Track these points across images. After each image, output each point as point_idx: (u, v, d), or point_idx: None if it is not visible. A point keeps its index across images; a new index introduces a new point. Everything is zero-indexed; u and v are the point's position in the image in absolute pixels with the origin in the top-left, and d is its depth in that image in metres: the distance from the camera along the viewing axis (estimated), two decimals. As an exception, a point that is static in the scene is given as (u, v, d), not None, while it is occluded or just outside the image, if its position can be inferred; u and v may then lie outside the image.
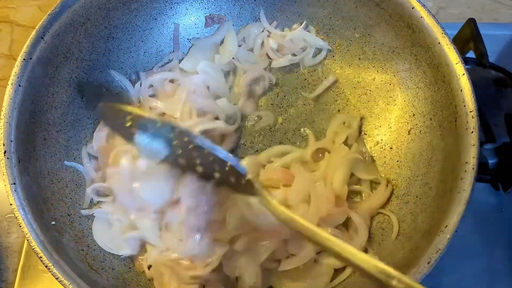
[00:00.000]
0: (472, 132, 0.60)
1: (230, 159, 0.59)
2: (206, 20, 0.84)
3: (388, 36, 0.75)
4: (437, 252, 0.55)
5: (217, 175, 0.59)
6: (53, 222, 0.62)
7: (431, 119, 0.70)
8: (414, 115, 0.73)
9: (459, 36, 0.88)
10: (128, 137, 0.61)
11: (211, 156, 0.58)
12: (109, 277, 0.64)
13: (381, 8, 0.73)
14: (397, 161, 0.74)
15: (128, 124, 0.60)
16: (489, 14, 1.07)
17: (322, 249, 0.60)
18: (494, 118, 0.81)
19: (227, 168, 0.58)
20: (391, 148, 0.75)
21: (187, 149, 0.59)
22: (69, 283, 0.53)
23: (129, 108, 0.61)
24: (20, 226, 0.56)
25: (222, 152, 0.59)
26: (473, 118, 0.61)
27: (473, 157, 0.59)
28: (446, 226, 0.56)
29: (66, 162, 0.70)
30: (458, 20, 1.04)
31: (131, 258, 0.69)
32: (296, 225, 0.55)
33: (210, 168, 0.59)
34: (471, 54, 0.87)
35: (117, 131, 0.66)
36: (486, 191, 0.83)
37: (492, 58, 0.86)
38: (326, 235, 0.52)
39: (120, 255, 0.68)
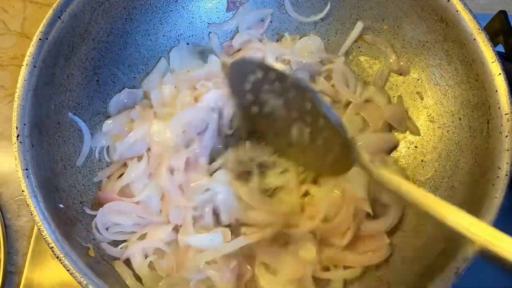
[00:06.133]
0: (506, 137, 0.57)
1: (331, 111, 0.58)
2: (228, 4, 0.80)
3: (418, 29, 0.71)
4: (465, 261, 0.52)
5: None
6: (61, 205, 0.60)
7: (460, 119, 0.67)
8: (442, 113, 0.70)
9: (488, 28, 0.84)
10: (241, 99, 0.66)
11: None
12: (121, 269, 0.63)
13: (413, 0, 0.70)
14: (422, 161, 0.71)
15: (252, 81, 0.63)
16: (519, 6, 1.02)
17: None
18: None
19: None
20: (416, 147, 0.72)
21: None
22: (80, 275, 0.52)
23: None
24: (31, 214, 0.54)
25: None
26: (508, 121, 0.58)
27: (507, 163, 0.56)
28: (475, 234, 0.53)
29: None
30: (484, 11, 1.00)
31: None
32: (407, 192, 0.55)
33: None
34: (499, 48, 0.83)
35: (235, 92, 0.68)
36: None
37: (522, 52, 0.82)
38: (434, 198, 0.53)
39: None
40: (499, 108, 0.59)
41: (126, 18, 0.73)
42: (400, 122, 0.74)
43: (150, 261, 0.63)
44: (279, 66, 0.61)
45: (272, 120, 0.65)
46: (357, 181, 0.67)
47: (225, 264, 0.62)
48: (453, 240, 0.57)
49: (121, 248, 0.64)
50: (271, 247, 0.64)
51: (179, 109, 0.70)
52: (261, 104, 0.65)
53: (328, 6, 0.79)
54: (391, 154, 0.75)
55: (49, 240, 0.53)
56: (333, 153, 0.61)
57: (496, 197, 0.55)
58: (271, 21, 0.81)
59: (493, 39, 0.83)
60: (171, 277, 0.62)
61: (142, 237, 0.65)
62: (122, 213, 0.66)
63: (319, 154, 0.63)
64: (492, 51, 0.62)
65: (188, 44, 0.80)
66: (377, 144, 0.74)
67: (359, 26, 0.78)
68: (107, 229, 0.65)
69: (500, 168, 0.56)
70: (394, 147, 0.75)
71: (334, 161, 0.62)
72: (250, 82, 0.64)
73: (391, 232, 0.67)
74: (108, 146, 0.71)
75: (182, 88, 0.73)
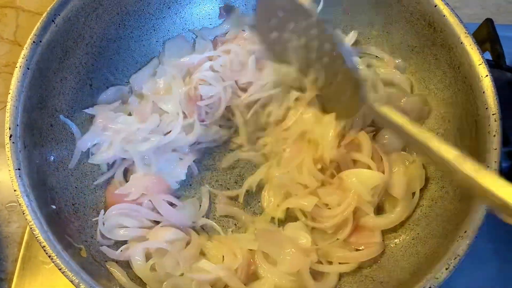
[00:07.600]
0: (494, 136, 0.58)
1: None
2: (220, 11, 0.81)
3: (407, 34, 0.73)
4: (455, 258, 0.53)
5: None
6: (53, 206, 0.60)
7: (449, 121, 0.68)
8: (430, 117, 0.71)
9: (475, 36, 0.85)
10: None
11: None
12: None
13: (402, 5, 0.71)
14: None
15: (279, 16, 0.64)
16: (504, 16, 1.04)
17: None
18: (509, 121, 0.79)
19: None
20: (404, 151, 0.73)
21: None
22: (72, 274, 0.51)
23: None
24: (23, 214, 0.53)
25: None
26: (495, 121, 0.59)
27: (495, 161, 0.57)
28: (465, 231, 0.54)
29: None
30: (472, 21, 1.02)
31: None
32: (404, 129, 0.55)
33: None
34: (486, 55, 0.85)
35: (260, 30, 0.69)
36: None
37: (507, 60, 0.84)
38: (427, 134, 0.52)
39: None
40: (486, 108, 0.60)
41: (119, 24, 0.74)
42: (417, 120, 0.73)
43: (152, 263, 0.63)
44: (307, 2, 0.62)
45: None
46: (365, 184, 0.66)
47: (232, 260, 0.63)
48: (446, 236, 0.58)
49: (121, 251, 0.64)
50: (272, 236, 0.65)
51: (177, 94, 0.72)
52: (283, 42, 0.67)
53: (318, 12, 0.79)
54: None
55: (41, 239, 0.52)
56: (344, 95, 0.64)
57: (485, 195, 0.55)
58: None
59: (480, 47, 0.84)
60: (174, 277, 0.62)
61: (144, 238, 0.65)
62: (129, 215, 0.66)
63: (331, 97, 0.67)
64: (478, 54, 0.63)
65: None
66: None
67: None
68: (111, 231, 0.65)
69: (489, 167, 0.57)
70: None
71: (345, 104, 0.65)
72: (276, 18, 0.65)
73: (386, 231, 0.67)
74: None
75: (177, 77, 0.74)
